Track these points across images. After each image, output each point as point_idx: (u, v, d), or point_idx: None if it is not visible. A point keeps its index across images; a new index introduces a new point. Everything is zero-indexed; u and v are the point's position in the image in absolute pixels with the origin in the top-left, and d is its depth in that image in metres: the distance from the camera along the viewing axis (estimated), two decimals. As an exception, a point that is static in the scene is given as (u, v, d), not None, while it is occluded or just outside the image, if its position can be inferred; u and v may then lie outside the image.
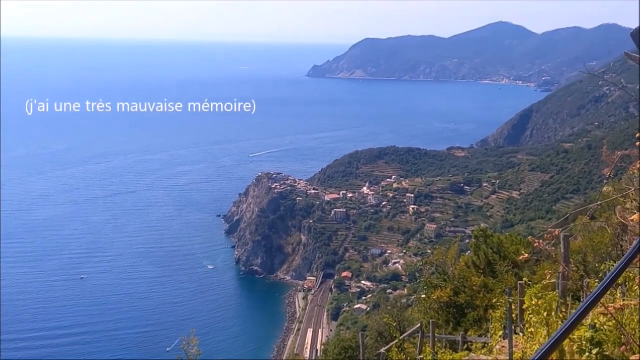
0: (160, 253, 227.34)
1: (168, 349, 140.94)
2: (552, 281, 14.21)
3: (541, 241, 8.23)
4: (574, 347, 6.15)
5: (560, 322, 11.36)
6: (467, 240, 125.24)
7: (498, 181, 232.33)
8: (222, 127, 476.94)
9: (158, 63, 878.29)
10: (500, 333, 15.24)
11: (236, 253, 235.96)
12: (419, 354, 19.98)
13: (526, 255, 10.72)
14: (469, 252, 48.10)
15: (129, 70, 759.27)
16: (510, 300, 12.11)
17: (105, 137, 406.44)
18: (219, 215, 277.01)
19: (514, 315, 12.44)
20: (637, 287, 9.84)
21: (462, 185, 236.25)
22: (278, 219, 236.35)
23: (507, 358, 10.69)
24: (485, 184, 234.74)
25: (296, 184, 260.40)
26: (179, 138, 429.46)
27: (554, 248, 8.01)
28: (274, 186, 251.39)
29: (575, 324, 2.92)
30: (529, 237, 9.77)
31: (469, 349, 23.76)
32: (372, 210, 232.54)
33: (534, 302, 11.90)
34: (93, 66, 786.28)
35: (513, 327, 12.12)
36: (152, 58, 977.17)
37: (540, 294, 12.15)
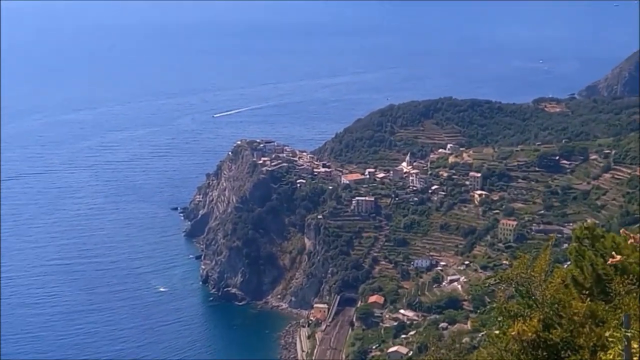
0: (84, 268, 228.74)
1: None
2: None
3: (638, 236, 8.32)
4: None
5: None
6: (565, 245, 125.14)
7: (614, 151, 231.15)
8: (180, 67, 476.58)
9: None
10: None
11: (203, 267, 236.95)
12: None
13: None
14: (568, 263, 48.14)
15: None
16: (629, 335, 12.18)
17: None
18: (175, 208, 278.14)
19: (634, 358, 12.52)
20: None
21: (557, 158, 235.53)
22: (268, 213, 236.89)
23: None
24: (593, 156, 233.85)
25: (296, 159, 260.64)
26: (111, 86, 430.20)
27: None
28: (261, 162, 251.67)
29: None
30: (622, 231, 9.91)
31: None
32: (416, 199, 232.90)
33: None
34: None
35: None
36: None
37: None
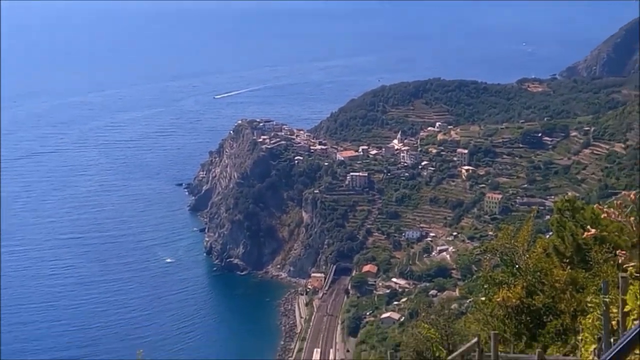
0: (95, 242, 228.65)
1: None
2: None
3: (612, 210, 8.27)
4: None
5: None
6: (547, 217, 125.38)
7: (593, 128, 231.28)
8: (181, 51, 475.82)
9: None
10: (593, 347, 15.33)
11: (206, 239, 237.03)
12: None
13: (620, 253, 10.68)
14: (550, 233, 48.16)
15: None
16: (607, 300, 12.16)
17: (7, 69, 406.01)
18: (180, 184, 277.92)
19: (612, 322, 12.50)
20: None
21: (539, 135, 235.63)
22: (267, 188, 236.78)
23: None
24: (574, 133, 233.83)
25: (293, 137, 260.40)
26: (119, 70, 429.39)
27: (632, 219, 7.99)
28: (260, 140, 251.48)
29: None
30: (596, 206, 9.89)
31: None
32: (407, 174, 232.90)
33: (640, 302, 11.96)
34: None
35: (611, 339, 12.22)
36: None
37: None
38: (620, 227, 37.72)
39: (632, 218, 8.04)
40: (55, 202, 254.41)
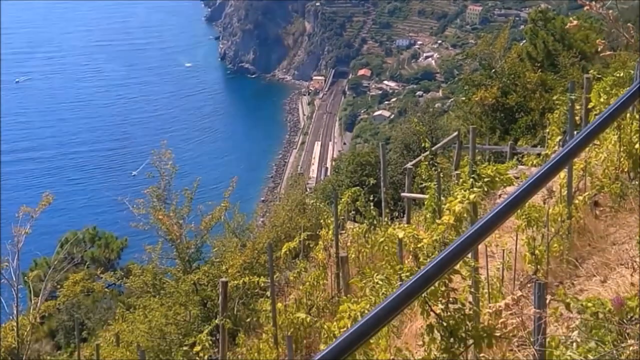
0: (122, 48, 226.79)
1: (134, 173, 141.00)
2: (631, 71, 14.14)
3: (593, 3, 8.01)
4: None
5: (636, 125, 11.47)
6: (522, 26, 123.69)
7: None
8: None
9: None
10: (559, 139, 15.46)
11: (221, 46, 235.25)
12: (455, 169, 20.43)
13: (600, 42, 10.47)
14: (524, 41, 47.66)
15: None
16: (573, 98, 12.12)
17: None
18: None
19: (576, 117, 12.51)
20: None
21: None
22: (274, 1, 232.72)
23: (565, 169, 10.91)
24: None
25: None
26: None
27: (610, 11, 7.77)
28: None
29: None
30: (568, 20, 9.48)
31: (519, 162, 24.30)
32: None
33: (602, 99, 11.92)
34: None
35: (575, 132, 12.25)
36: None
37: (611, 90, 12.15)
38: (586, 35, 37.35)
39: (610, 11, 7.78)
40: (86, 12, 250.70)
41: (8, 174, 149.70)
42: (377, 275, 8.32)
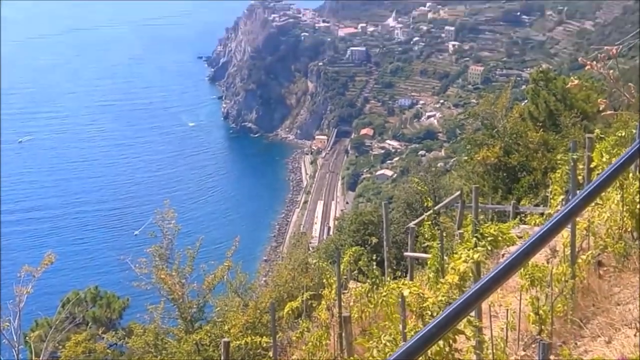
0: (126, 107, 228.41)
1: (136, 232, 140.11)
2: (633, 131, 14.24)
3: (594, 63, 8.12)
4: None
5: (638, 184, 11.52)
6: (524, 86, 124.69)
7: (566, 8, 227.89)
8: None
9: None
10: (561, 198, 15.49)
11: (224, 105, 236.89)
12: (458, 229, 20.43)
13: (601, 102, 10.59)
14: (525, 101, 48.04)
15: None
16: (575, 157, 12.19)
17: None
18: (201, 57, 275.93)
19: (579, 177, 12.57)
20: None
21: (518, 13, 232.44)
22: (277, 61, 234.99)
23: (569, 229, 10.94)
24: (549, 12, 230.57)
25: (300, 15, 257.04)
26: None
27: (611, 71, 7.90)
28: (271, 18, 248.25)
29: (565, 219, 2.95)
30: (580, 59, 9.57)
31: (521, 221, 24.28)
32: (400, 49, 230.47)
33: (604, 159, 11.99)
34: None
35: (577, 191, 12.30)
36: None
37: (613, 149, 12.23)
38: (588, 95, 37.62)
39: (611, 71, 7.91)
40: (91, 73, 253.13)
41: (11, 234, 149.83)
42: (384, 335, 8.30)
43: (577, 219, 11.22)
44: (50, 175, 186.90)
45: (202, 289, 21.63)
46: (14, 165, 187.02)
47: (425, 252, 16.59)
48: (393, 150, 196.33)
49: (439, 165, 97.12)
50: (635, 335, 7.92)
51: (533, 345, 9.02)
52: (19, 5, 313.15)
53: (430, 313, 8.90)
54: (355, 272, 22.53)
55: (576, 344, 9.21)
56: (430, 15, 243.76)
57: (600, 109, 9.65)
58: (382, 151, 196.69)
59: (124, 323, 39.02)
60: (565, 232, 11.06)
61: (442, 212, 27.37)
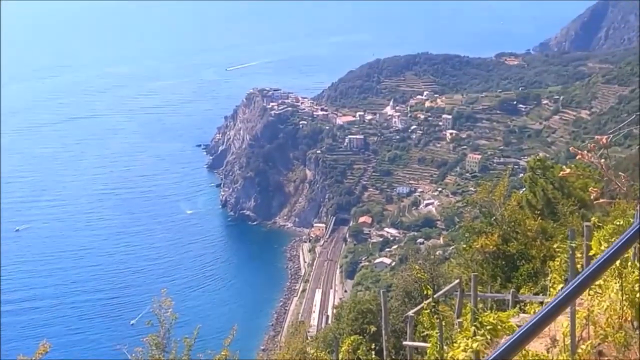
0: (124, 195, 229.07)
1: (132, 322, 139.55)
2: (630, 219, 14.29)
3: (585, 152, 8.25)
4: None
5: (637, 273, 11.53)
6: (521, 174, 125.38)
7: (562, 97, 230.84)
8: (201, 29, 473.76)
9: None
10: (560, 287, 15.45)
11: (222, 193, 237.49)
12: (457, 317, 20.31)
13: (597, 190, 10.73)
14: (523, 189, 48.23)
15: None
16: (574, 246, 12.22)
17: (50, 44, 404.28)
18: (199, 145, 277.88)
19: (578, 266, 12.59)
20: None
21: (514, 102, 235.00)
22: (275, 149, 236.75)
23: (568, 318, 10.90)
24: (545, 101, 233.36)
25: (299, 104, 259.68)
26: (146, 44, 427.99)
27: (603, 160, 8.02)
28: (269, 106, 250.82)
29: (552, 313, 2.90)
30: (571, 148, 9.72)
31: (521, 310, 24.12)
32: (398, 137, 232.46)
33: (603, 248, 12.02)
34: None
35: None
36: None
37: (611, 237, 12.27)
38: (585, 184, 37.82)
39: (603, 160, 8.03)
40: (90, 161, 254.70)
41: (7, 324, 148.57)
42: None
43: (577, 307, 11.19)
44: (47, 264, 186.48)
45: (198, 379, 21.33)
46: (10, 254, 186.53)
47: (425, 341, 16.50)
48: (391, 238, 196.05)
49: (437, 253, 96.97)
50: None
51: None
52: (18, 93, 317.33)
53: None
54: (354, 361, 22.30)
55: None
56: (427, 103, 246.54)
57: (592, 197, 9.79)
58: (381, 239, 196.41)
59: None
60: (565, 321, 11.03)
61: (441, 300, 27.20)
